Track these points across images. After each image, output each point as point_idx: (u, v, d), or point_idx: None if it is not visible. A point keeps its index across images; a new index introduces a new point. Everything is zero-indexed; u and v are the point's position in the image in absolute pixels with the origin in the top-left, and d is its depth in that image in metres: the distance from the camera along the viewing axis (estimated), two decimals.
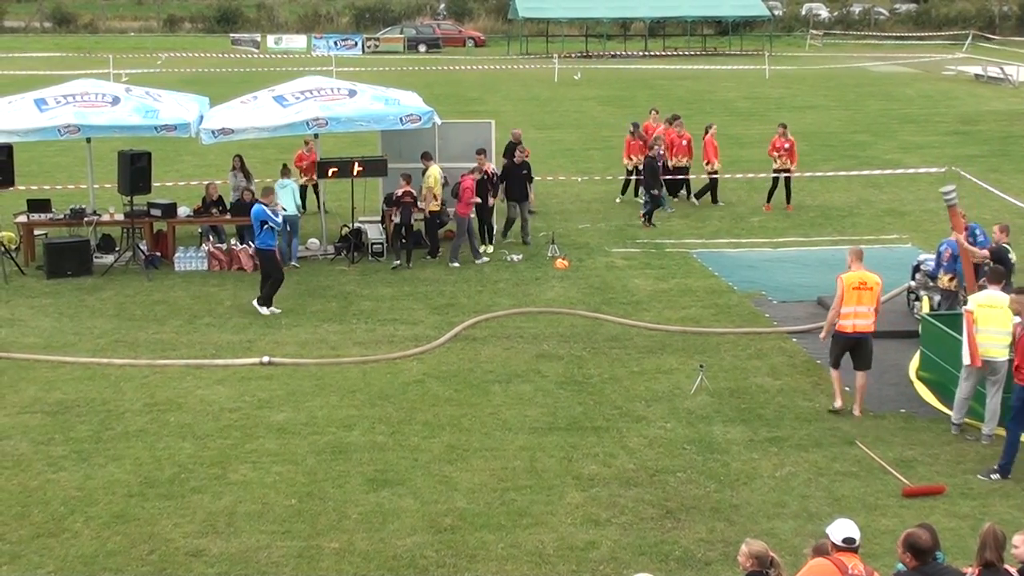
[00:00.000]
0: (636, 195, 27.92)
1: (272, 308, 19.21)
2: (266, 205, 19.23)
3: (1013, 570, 8.59)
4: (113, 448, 13.95)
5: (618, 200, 27.92)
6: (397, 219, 21.86)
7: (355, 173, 22.17)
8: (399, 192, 21.86)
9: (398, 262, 21.83)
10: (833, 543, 8.52)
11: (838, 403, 15.19)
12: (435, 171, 22.29)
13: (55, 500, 12.61)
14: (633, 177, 27.86)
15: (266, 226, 19.16)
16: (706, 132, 27.61)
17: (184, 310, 19.46)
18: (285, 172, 23.01)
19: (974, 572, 8.55)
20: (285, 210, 20.65)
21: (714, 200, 27.42)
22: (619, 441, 14.17)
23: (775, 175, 27.00)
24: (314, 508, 12.45)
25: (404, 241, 22.02)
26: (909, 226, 25.34)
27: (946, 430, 14.45)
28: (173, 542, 11.72)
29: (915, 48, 74.09)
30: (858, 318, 14.94)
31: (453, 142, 23.82)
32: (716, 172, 27.34)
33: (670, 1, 71.96)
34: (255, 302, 19.29)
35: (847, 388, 15.38)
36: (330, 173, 22.31)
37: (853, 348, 15.09)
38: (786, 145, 26.83)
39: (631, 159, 27.77)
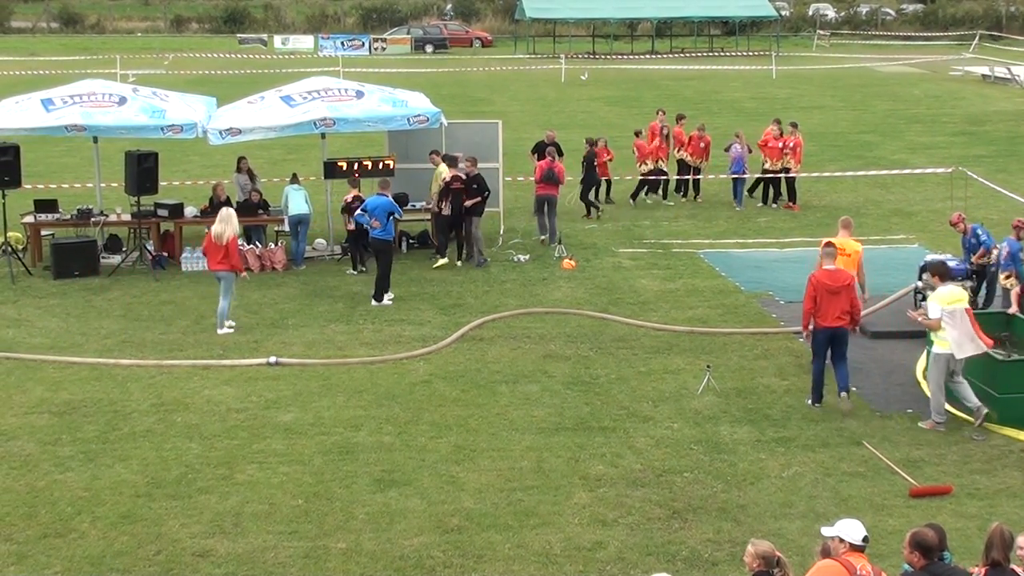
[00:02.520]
0: (665, 197, 27.85)
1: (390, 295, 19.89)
2: (388, 196, 19.98)
3: (1020, 571, 8.58)
4: (120, 448, 13.96)
5: (649, 201, 27.74)
6: (352, 226, 21.54)
7: (362, 171, 22.14)
8: (348, 198, 21.68)
9: (361, 269, 21.65)
10: (850, 543, 8.49)
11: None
12: (444, 169, 22.28)
13: (62, 500, 12.62)
14: (664, 178, 27.82)
15: (392, 217, 19.79)
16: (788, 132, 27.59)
17: (191, 310, 19.48)
18: (295, 179, 22.98)
19: (980, 572, 8.54)
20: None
21: (791, 198, 27.50)
22: (626, 441, 14.17)
23: (775, 174, 27.07)
24: (321, 508, 12.46)
25: (360, 246, 21.83)
26: (916, 227, 25.31)
27: (953, 430, 14.44)
28: (180, 542, 11.73)
29: (922, 48, 74.01)
30: None
31: (460, 142, 23.80)
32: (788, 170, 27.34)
33: (677, 1, 71.93)
34: (375, 301, 19.63)
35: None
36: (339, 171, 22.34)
37: None
38: (791, 143, 26.84)
39: (661, 160, 27.64)
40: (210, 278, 21.25)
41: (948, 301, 14.51)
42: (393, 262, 20.12)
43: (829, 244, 15.75)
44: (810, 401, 15.26)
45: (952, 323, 14.36)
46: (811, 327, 15.23)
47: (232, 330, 18.29)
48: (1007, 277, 17.62)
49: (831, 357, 15.34)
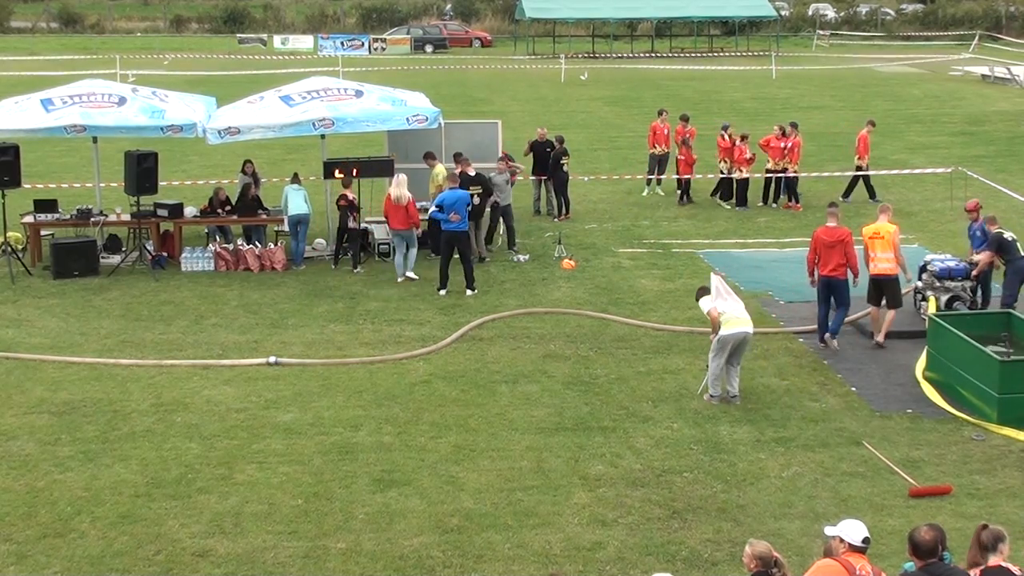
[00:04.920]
0: (732, 198, 27.54)
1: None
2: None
3: (1016, 569, 8.57)
4: (120, 448, 13.96)
5: (728, 207, 27.46)
6: (338, 224, 21.82)
7: (354, 174, 22.11)
8: (337, 195, 21.92)
9: (358, 268, 21.75)
10: (850, 544, 8.49)
11: (880, 338, 17.56)
12: (441, 169, 22.32)
13: (62, 500, 12.62)
14: (734, 176, 27.59)
15: (469, 208, 20.73)
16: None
17: (190, 310, 19.48)
18: (296, 179, 22.95)
19: (976, 572, 8.53)
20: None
21: (846, 194, 27.84)
22: (626, 441, 14.17)
23: (773, 174, 27.13)
24: (321, 508, 12.46)
25: (347, 245, 21.93)
26: (916, 226, 25.29)
27: (953, 430, 14.44)
28: (180, 542, 11.73)
29: (922, 48, 74.03)
30: (878, 262, 17.52)
31: (459, 142, 23.79)
32: (865, 167, 27.93)
33: (677, 1, 71.88)
34: (470, 291, 20.22)
35: None
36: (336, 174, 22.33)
37: (883, 288, 17.47)
38: (788, 144, 26.92)
39: (725, 161, 27.47)
40: (210, 278, 21.34)
41: (712, 298, 15.39)
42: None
43: (832, 204, 18.32)
44: (818, 339, 17.56)
45: (726, 305, 15.27)
46: (815, 276, 17.47)
47: (417, 278, 20.98)
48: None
49: (833, 304, 17.44)
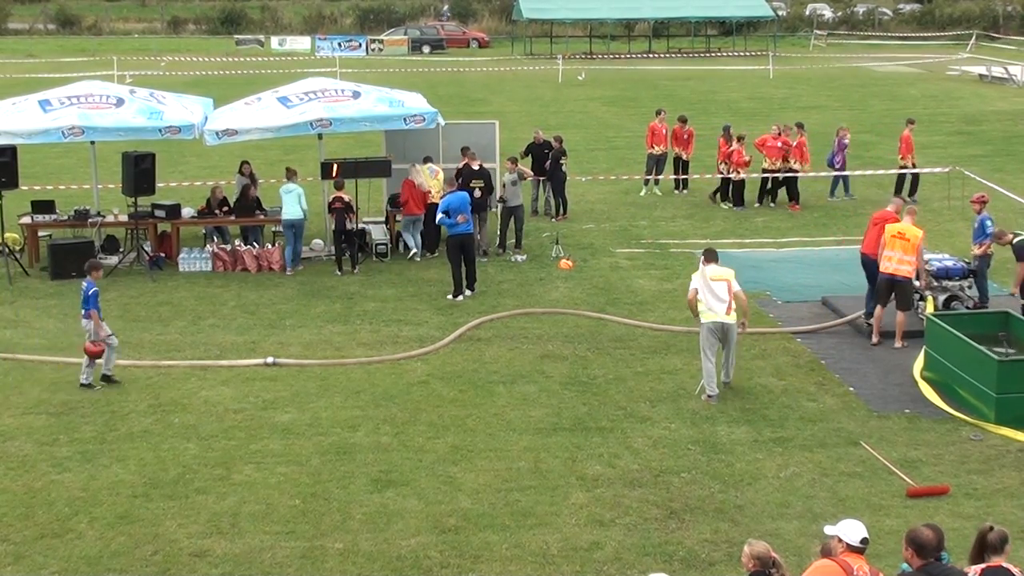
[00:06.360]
0: (726, 199, 27.50)
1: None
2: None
3: (1015, 570, 8.58)
4: (117, 449, 13.96)
5: (726, 207, 27.35)
6: (333, 226, 21.81)
7: (335, 174, 22.04)
8: (330, 198, 21.93)
9: (339, 272, 21.68)
10: (848, 544, 8.49)
11: (875, 339, 17.61)
12: (427, 167, 22.42)
13: (59, 501, 12.62)
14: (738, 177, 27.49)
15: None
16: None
17: (188, 311, 19.48)
18: (291, 176, 22.92)
19: (976, 572, 8.53)
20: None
21: (911, 193, 27.62)
22: (623, 441, 14.17)
23: (770, 174, 27.16)
24: (318, 509, 12.46)
25: (345, 247, 21.87)
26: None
27: (951, 430, 14.44)
28: (177, 543, 11.73)
29: (919, 48, 74.05)
30: (896, 263, 17.24)
31: (457, 143, 23.81)
32: (910, 166, 27.96)
33: (674, 2, 71.93)
34: (469, 291, 20.23)
35: None
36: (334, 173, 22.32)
37: (896, 289, 17.31)
38: (781, 143, 27.02)
39: (725, 162, 27.32)
40: (207, 279, 21.35)
41: (711, 276, 15.52)
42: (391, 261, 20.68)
43: (898, 199, 19.53)
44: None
45: (705, 296, 15.46)
46: None
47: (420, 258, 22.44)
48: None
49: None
